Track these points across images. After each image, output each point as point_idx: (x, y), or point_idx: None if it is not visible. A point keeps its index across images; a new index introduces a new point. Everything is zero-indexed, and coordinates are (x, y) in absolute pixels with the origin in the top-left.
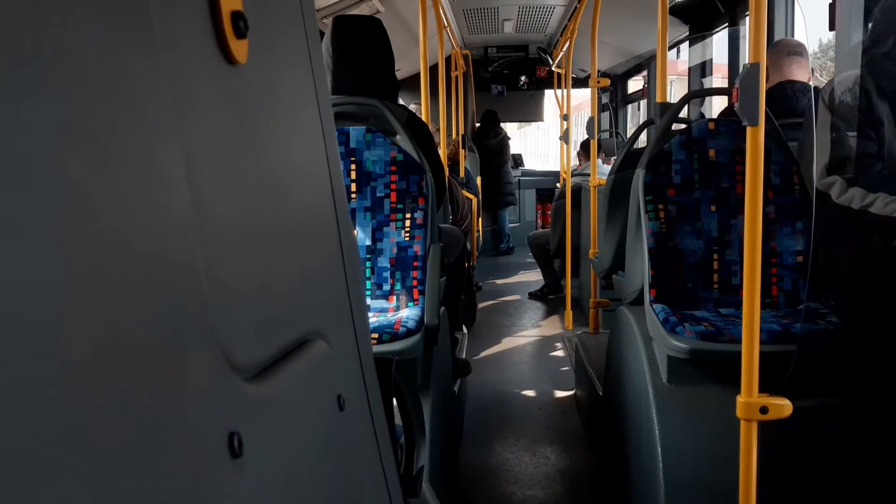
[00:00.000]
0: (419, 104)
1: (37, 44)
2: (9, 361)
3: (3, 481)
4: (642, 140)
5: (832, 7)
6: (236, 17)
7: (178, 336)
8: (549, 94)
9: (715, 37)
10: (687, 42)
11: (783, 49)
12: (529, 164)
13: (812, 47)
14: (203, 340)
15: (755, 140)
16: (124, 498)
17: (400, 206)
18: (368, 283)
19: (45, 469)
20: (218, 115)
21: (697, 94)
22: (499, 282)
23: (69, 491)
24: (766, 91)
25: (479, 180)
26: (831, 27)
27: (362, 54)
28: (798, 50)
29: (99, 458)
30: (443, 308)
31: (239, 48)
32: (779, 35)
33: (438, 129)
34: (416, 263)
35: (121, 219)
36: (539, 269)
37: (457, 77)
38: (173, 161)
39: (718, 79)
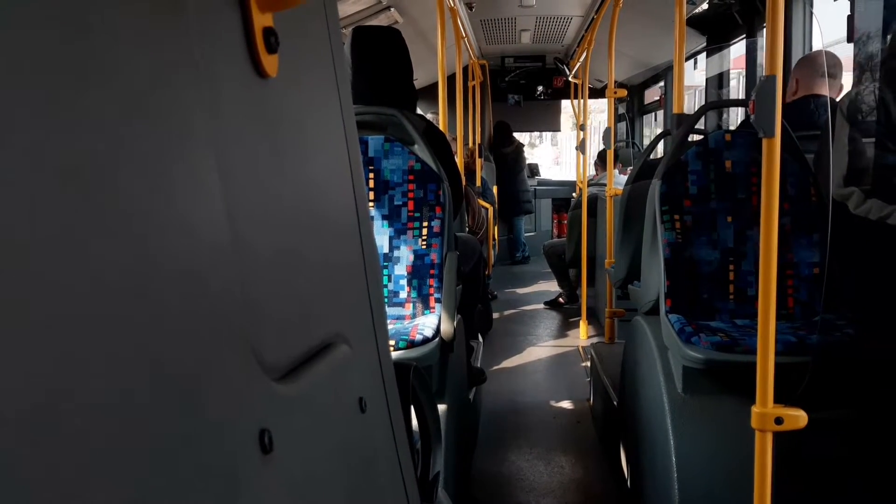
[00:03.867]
0: (436, 113)
1: (77, 57)
2: (51, 355)
3: (38, 468)
4: (659, 151)
5: (850, 19)
6: (268, 32)
7: (213, 337)
8: (565, 105)
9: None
10: (704, 53)
11: (818, 68)
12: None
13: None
14: (235, 342)
15: (771, 151)
16: (161, 488)
17: (417, 214)
18: (385, 290)
19: (82, 461)
20: (249, 127)
21: (714, 105)
22: (515, 291)
23: (108, 481)
24: (791, 103)
25: (495, 189)
26: (849, 39)
27: (381, 64)
28: (833, 72)
29: (137, 450)
30: (459, 316)
31: (270, 63)
32: (796, 46)
33: (455, 139)
34: (432, 272)
35: (161, 226)
36: (555, 279)
37: (474, 87)
38: (209, 173)
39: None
